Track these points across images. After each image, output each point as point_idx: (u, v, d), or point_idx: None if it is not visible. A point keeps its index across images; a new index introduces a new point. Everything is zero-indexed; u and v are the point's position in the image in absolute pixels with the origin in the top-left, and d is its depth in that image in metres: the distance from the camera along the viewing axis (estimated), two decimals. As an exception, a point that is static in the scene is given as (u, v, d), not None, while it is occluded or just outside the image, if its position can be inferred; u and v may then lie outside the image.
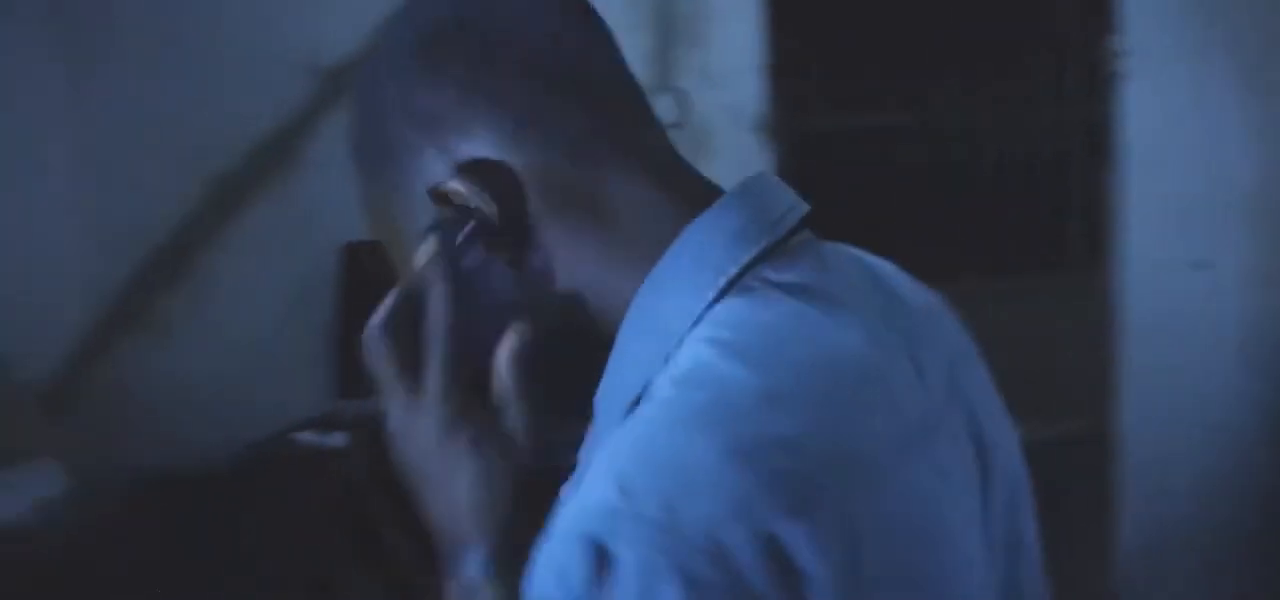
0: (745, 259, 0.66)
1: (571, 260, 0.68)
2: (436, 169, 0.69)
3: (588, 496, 0.56)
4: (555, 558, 0.55)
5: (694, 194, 0.70)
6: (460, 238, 0.67)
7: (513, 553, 0.63)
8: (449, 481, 0.66)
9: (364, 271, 2.94)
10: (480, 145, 0.68)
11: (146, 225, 3.22)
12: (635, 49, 2.72)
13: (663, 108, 2.72)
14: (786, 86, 2.73)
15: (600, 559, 0.53)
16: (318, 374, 2.99)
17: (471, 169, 0.68)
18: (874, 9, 2.66)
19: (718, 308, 0.65)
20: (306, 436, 2.65)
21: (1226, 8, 2.51)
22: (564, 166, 0.68)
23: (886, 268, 0.77)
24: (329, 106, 2.99)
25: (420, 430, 0.68)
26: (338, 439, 2.61)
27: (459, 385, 0.67)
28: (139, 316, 3.27)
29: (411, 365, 0.69)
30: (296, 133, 3.05)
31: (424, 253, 0.68)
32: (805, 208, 0.72)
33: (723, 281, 0.66)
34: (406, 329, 0.69)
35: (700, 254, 0.66)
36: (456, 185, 0.68)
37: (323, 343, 2.99)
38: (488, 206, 0.67)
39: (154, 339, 3.25)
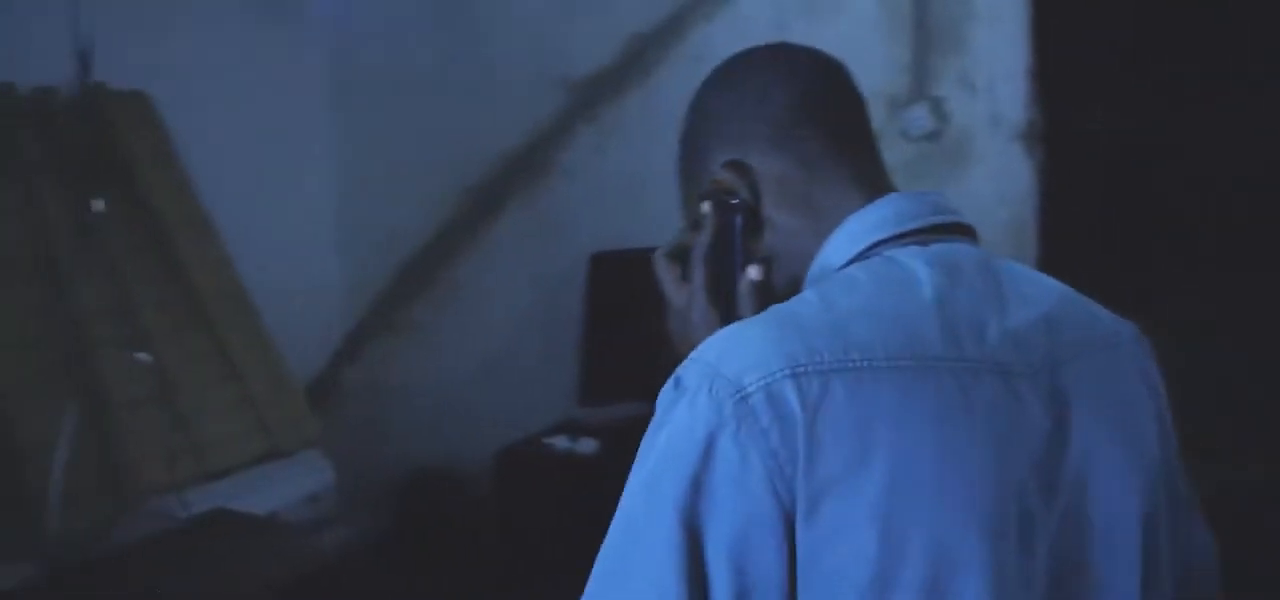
0: (872, 240, 0.95)
1: (788, 234, 1.00)
2: (716, 162, 1.04)
3: None
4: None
5: (872, 195, 0.99)
6: (724, 204, 1.03)
7: None
8: (697, 332, 0.99)
9: (609, 282, 2.97)
10: (746, 153, 1.02)
11: (402, 236, 3.36)
12: (893, 60, 2.67)
13: (918, 117, 2.65)
14: (1053, 93, 2.60)
15: (676, 383, 0.87)
16: (561, 378, 3.04)
17: (734, 166, 1.02)
18: (1153, 11, 2.49)
19: (845, 268, 0.95)
20: (559, 441, 2.69)
21: None
22: (796, 174, 1.00)
23: (1014, 272, 0.98)
24: (579, 119, 3.05)
25: (685, 301, 1.04)
26: (587, 445, 2.63)
27: (707, 287, 1.03)
28: (394, 321, 3.42)
29: (681, 273, 1.05)
30: (548, 144, 3.12)
31: (701, 210, 1.03)
32: (942, 217, 0.98)
33: (854, 252, 0.96)
34: (681, 253, 1.05)
35: (850, 234, 0.97)
36: (723, 174, 1.02)
37: (568, 349, 3.04)
38: (744, 192, 1.01)
39: (407, 341, 3.39)
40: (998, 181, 2.59)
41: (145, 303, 2.45)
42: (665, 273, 1.07)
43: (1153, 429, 0.96)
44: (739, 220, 1.03)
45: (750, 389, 0.83)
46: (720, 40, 2.84)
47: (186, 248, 2.64)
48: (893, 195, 0.98)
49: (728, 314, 1.02)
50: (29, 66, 2.52)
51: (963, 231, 0.98)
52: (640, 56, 2.97)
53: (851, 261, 0.95)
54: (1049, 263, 2.62)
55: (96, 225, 2.15)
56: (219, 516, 1.97)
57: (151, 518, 2.26)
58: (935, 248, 0.94)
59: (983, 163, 2.60)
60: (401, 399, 3.36)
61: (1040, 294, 0.95)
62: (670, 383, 0.88)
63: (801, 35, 2.84)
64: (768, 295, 0.98)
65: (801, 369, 0.84)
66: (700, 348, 0.89)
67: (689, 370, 0.87)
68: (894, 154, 2.79)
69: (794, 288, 0.98)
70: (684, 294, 1.04)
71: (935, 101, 2.62)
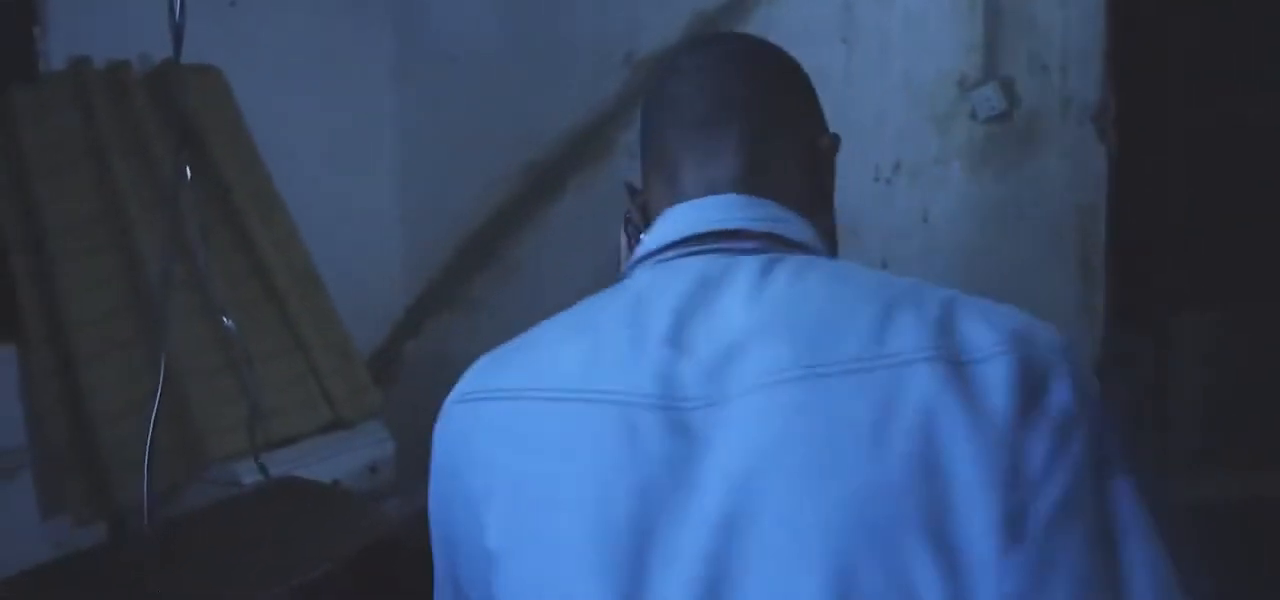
0: (635, 261, 1.03)
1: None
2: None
3: None
4: None
5: (672, 203, 1.06)
6: (627, 227, 1.13)
7: None
8: None
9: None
10: (641, 173, 1.13)
11: (463, 212, 3.38)
12: (962, 39, 2.63)
13: (988, 98, 2.61)
14: (1128, 76, 2.54)
15: None
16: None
17: (628, 188, 1.13)
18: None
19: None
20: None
21: None
22: (663, 194, 1.06)
23: (741, 286, 0.96)
24: (642, 96, 3.02)
25: None
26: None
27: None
28: (453, 297, 3.45)
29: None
30: (610, 123, 3.11)
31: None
32: (708, 226, 1.00)
33: (629, 268, 1.04)
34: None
35: (640, 250, 1.03)
36: (626, 188, 1.14)
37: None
38: (634, 214, 1.10)
39: (466, 317, 3.41)
40: (1069, 165, 2.54)
41: (216, 274, 2.49)
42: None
43: (900, 466, 0.82)
44: (626, 224, 1.12)
45: (445, 414, 1.00)
46: (785, 19, 2.82)
47: (255, 222, 2.68)
48: (677, 206, 1.01)
49: None
50: (125, 41, 2.58)
51: (732, 237, 0.98)
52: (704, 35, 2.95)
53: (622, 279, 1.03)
54: (1119, 251, 2.57)
55: (172, 195, 2.19)
56: (283, 483, 2.00)
57: (217, 484, 2.30)
58: (664, 265, 0.98)
59: (1053, 146, 2.56)
60: (461, 374, 3.38)
61: (772, 312, 0.89)
62: None
63: (869, 16, 2.84)
64: None
65: (468, 394, 0.98)
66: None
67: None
68: (962, 136, 2.77)
69: None
70: None
71: (1005, 82, 2.58)
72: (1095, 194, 2.53)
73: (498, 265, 3.37)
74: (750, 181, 1.02)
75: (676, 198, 1.02)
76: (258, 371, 2.46)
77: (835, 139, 1.15)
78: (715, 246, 0.98)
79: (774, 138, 1.05)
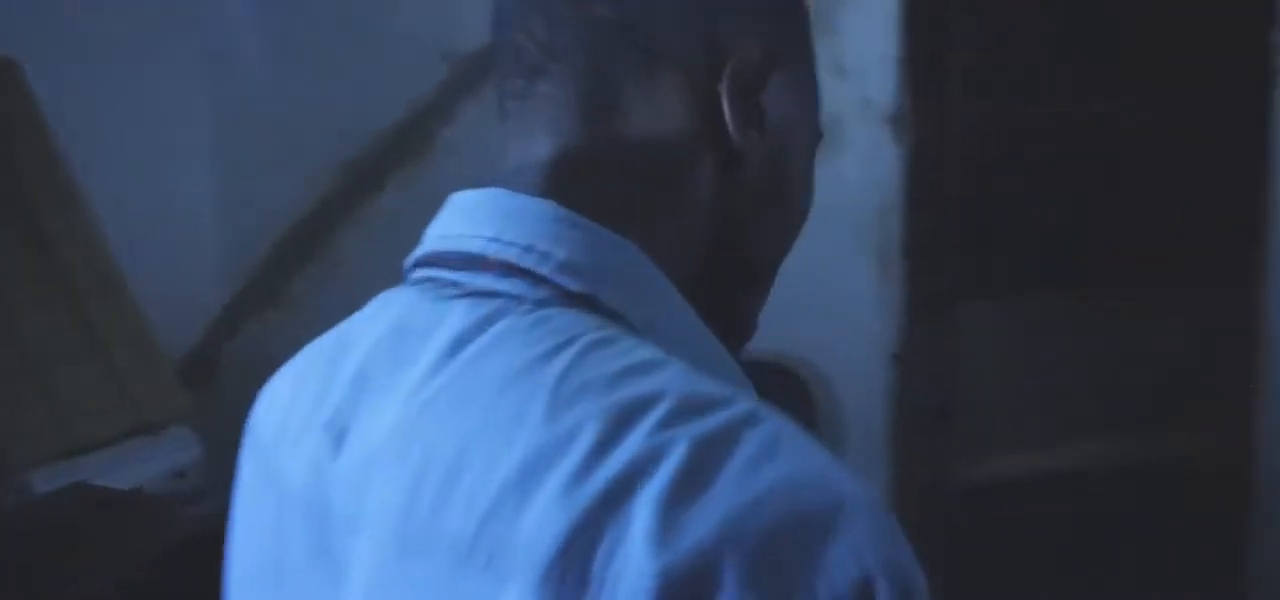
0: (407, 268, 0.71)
1: None
2: None
3: None
4: None
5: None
6: None
7: None
8: None
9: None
10: None
11: (280, 208, 3.32)
12: (766, 40, 2.72)
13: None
14: (924, 78, 2.68)
15: None
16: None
17: None
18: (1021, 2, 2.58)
19: None
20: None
21: None
22: None
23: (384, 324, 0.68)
24: (461, 92, 3.04)
25: None
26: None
27: None
28: (272, 295, 3.38)
29: None
30: (429, 120, 3.11)
31: None
32: (436, 246, 0.68)
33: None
34: None
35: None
36: None
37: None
38: None
39: (287, 316, 3.36)
40: (867, 167, 2.67)
41: (9, 274, 2.39)
42: None
43: None
44: None
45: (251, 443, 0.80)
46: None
47: (52, 219, 2.58)
48: (454, 198, 0.70)
49: None
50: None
51: (459, 264, 0.66)
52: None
53: None
54: (913, 250, 2.71)
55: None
56: (77, 491, 1.95)
57: (8, 493, 2.21)
58: (395, 294, 0.69)
59: (853, 148, 2.67)
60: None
61: (422, 415, 0.60)
62: None
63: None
64: None
65: (250, 419, 0.77)
66: None
67: None
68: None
69: None
70: None
71: (808, 85, 2.69)
72: (891, 193, 2.67)
73: (318, 263, 3.33)
74: (576, 164, 0.65)
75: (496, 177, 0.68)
76: (56, 375, 2.37)
77: (765, 55, 0.68)
78: (448, 273, 0.66)
79: (633, 76, 0.65)
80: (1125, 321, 2.91)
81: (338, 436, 0.63)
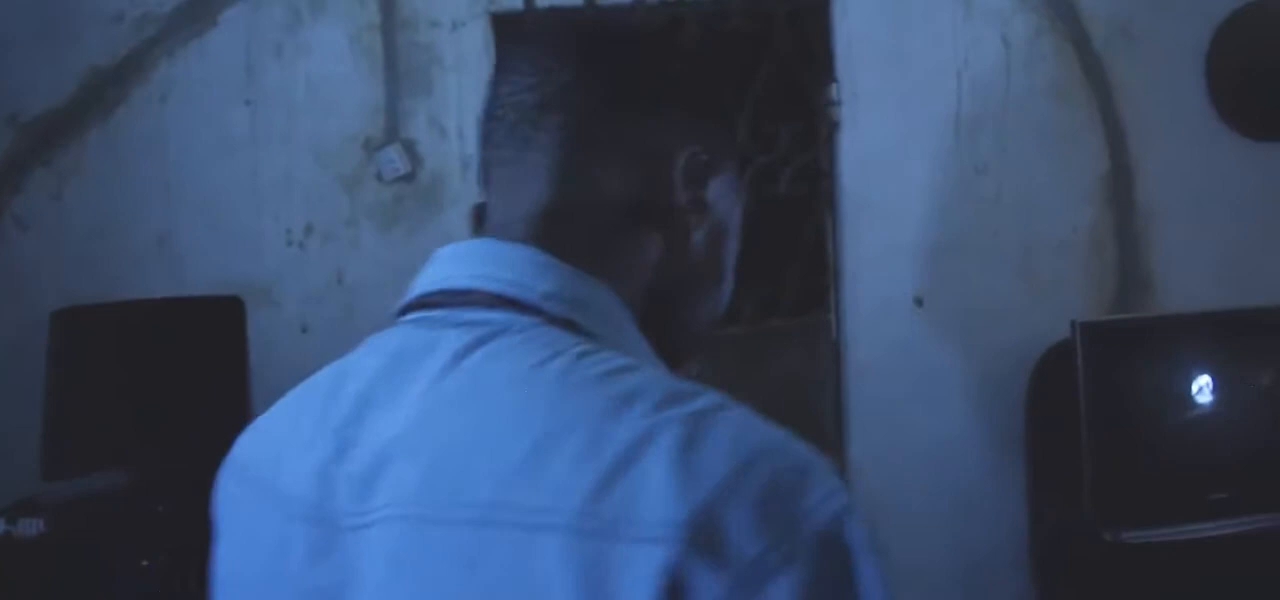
0: (393, 316, 0.81)
1: None
2: None
3: None
4: None
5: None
6: None
7: None
8: None
9: (74, 341, 2.71)
10: None
11: None
12: (365, 101, 2.67)
13: (391, 159, 2.66)
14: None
15: None
16: (24, 452, 2.74)
17: (476, 209, 0.90)
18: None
19: None
20: (-1, 525, 2.41)
21: (930, 62, 2.66)
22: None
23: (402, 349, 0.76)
24: (33, 160, 2.77)
25: None
26: (31, 527, 2.39)
27: None
28: None
29: None
30: (-6, 190, 2.81)
31: None
32: (434, 285, 0.79)
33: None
34: None
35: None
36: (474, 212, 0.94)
37: (32, 418, 2.75)
38: None
39: None
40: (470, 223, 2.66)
41: None
42: None
43: None
44: None
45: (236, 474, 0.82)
46: (186, 78, 2.71)
47: None
48: (442, 251, 0.81)
49: None
50: None
51: (444, 301, 0.76)
52: (101, 94, 2.75)
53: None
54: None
55: None
56: None
57: None
58: (392, 330, 0.78)
59: (457, 206, 2.67)
60: None
61: (428, 416, 0.69)
62: None
63: (271, 78, 2.79)
64: None
65: (227, 460, 0.83)
66: None
67: None
68: (371, 196, 2.78)
69: None
70: None
71: (407, 144, 2.65)
72: (498, 249, 2.67)
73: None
74: (553, 218, 0.77)
75: (484, 230, 0.80)
76: None
77: (709, 160, 0.82)
78: (436, 311, 0.76)
79: (604, 157, 0.78)
80: (737, 352, 3.07)
81: (343, 447, 0.72)
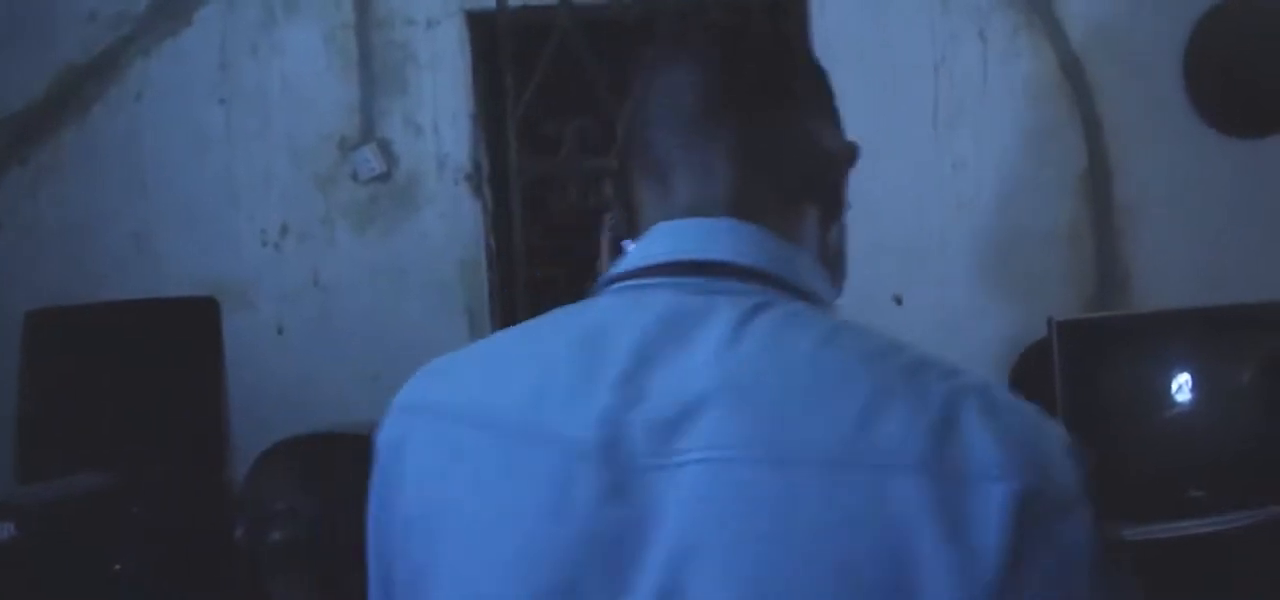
0: (606, 281, 0.89)
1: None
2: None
3: None
4: None
5: (656, 220, 0.90)
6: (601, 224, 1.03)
7: None
8: None
9: (49, 342, 2.70)
10: (621, 166, 0.96)
11: None
12: (341, 101, 2.65)
13: (366, 159, 2.65)
14: (492, 134, 2.70)
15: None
16: (1, 452, 2.73)
17: (611, 179, 1.05)
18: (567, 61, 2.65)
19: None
20: (-31, 527, 2.39)
21: (907, 58, 2.65)
22: (643, 196, 0.92)
23: (716, 338, 0.82)
24: (8, 159, 2.75)
25: None
26: (4, 531, 2.37)
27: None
28: None
29: None
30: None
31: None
32: (681, 255, 0.86)
33: (595, 293, 0.89)
34: None
35: (610, 271, 0.90)
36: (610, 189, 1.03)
37: (4, 420, 2.73)
38: (617, 211, 0.96)
39: None
40: (448, 222, 2.65)
41: None
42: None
43: (868, 569, 0.71)
44: (606, 235, 1.04)
45: (386, 418, 0.88)
46: (161, 77, 2.69)
47: None
48: (661, 226, 0.88)
49: None
50: None
51: (714, 271, 0.84)
52: (76, 91, 2.74)
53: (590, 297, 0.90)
54: (502, 301, 2.71)
55: None
56: None
57: None
58: (634, 294, 0.85)
59: (432, 204, 2.65)
60: None
61: (744, 372, 0.77)
62: None
63: (247, 76, 2.77)
64: None
65: (407, 404, 0.87)
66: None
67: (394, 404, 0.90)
68: (346, 196, 2.77)
69: None
70: None
71: (383, 143, 2.64)
72: (474, 248, 2.66)
73: None
74: (745, 199, 0.87)
75: (669, 211, 0.88)
76: None
77: (851, 147, 0.98)
78: (692, 278, 0.84)
79: (775, 143, 0.89)
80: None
81: (634, 396, 0.78)
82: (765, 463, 0.72)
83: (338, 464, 2.58)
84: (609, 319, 0.83)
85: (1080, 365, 2.22)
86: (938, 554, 0.69)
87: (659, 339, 0.80)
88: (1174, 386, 2.29)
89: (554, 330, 0.86)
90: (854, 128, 2.94)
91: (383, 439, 0.87)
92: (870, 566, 0.70)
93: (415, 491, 0.83)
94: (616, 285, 0.87)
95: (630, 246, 0.90)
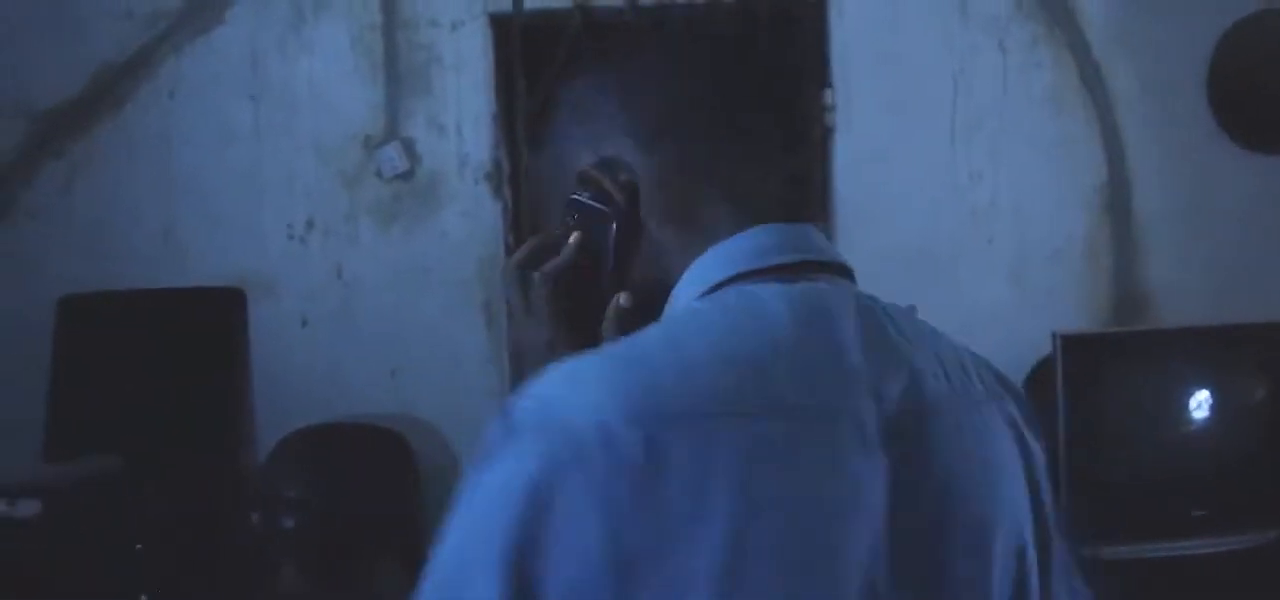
0: (731, 273, 0.87)
1: (660, 251, 0.91)
2: (584, 156, 0.93)
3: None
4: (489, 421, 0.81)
5: (746, 220, 0.90)
6: (593, 210, 0.91)
7: None
8: (546, 362, 0.86)
9: (80, 327, 2.78)
10: (619, 148, 0.92)
11: None
12: (367, 100, 2.71)
13: (391, 157, 2.70)
14: (512, 135, 2.73)
15: (506, 421, 0.79)
16: (30, 433, 2.81)
17: (606, 164, 0.91)
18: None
19: (699, 301, 0.87)
20: (-2, 505, 2.47)
21: (925, 68, 2.65)
22: (675, 180, 0.91)
23: (886, 316, 0.91)
24: (43, 154, 2.84)
25: (537, 323, 0.95)
26: (28, 507, 2.45)
27: (567, 309, 0.95)
28: None
29: (536, 288, 0.95)
30: (9, 181, 2.87)
31: (566, 213, 0.94)
32: (812, 254, 0.90)
33: (709, 284, 0.87)
34: (538, 263, 0.95)
35: (708, 266, 0.88)
36: (594, 172, 0.91)
37: (37, 400, 2.82)
38: (618, 196, 0.90)
39: None
40: (468, 221, 2.69)
41: None
42: (515, 285, 0.97)
43: (1020, 490, 0.92)
44: (613, 231, 0.91)
45: (588, 434, 0.76)
46: (193, 74, 2.76)
47: None
48: (765, 226, 0.89)
49: (588, 344, 0.90)
50: None
51: (835, 271, 0.91)
52: (111, 88, 2.81)
53: (707, 293, 0.87)
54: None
55: None
56: None
57: None
58: (800, 287, 0.87)
59: (454, 203, 2.70)
60: None
61: (911, 342, 0.89)
62: (498, 419, 0.80)
63: (276, 74, 2.83)
64: (632, 325, 0.89)
65: (643, 415, 0.77)
66: (533, 382, 0.82)
67: (521, 407, 0.80)
68: (370, 193, 2.82)
69: (655, 316, 0.89)
70: (537, 314, 0.96)
71: (407, 142, 2.69)
72: (494, 247, 2.70)
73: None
74: (798, 204, 0.94)
75: (740, 211, 0.89)
76: None
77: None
78: (825, 275, 0.90)
79: (802, 132, 1.03)
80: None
81: (879, 366, 0.86)
82: (968, 407, 0.90)
83: (353, 455, 2.64)
84: (807, 307, 0.86)
85: (1085, 380, 2.22)
86: (1029, 455, 0.93)
87: (865, 327, 0.87)
88: (1182, 404, 2.28)
89: (752, 320, 0.84)
90: (869, 137, 2.98)
91: (622, 455, 0.77)
92: (1012, 463, 0.91)
93: (690, 504, 0.78)
94: (759, 280, 0.87)
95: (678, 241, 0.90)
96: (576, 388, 0.79)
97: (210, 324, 2.68)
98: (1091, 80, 2.64)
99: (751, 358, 0.81)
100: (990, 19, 2.64)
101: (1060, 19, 2.64)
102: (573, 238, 0.93)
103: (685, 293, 0.88)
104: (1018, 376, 2.56)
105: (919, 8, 2.65)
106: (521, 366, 0.95)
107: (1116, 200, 2.66)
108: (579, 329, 0.94)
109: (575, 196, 0.92)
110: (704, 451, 0.78)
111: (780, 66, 1.02)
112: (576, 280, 0.93)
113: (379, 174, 2.69)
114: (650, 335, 0.83)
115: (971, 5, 2.66)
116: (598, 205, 0.90)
